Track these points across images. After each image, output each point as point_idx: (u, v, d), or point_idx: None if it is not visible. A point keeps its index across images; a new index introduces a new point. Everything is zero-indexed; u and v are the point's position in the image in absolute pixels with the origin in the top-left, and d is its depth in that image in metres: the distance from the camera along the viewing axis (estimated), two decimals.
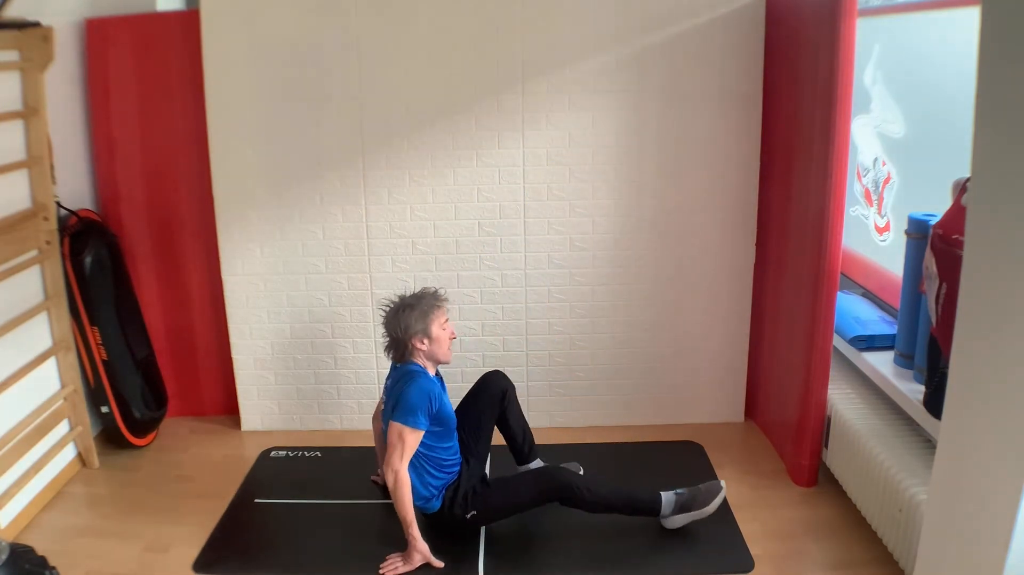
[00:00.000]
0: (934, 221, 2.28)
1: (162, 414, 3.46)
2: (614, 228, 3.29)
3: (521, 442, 2.89)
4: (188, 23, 3.16)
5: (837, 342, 2.88)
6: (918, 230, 2.43)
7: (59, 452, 3.01)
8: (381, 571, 2.51)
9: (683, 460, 3.17)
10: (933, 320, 2.24)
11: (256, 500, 2.98)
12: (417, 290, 2.66)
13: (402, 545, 2.54)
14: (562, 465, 2.89)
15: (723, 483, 2.66)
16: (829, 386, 2.86)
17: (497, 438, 2.89)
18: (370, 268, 3.35)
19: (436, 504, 2.62)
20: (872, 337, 2.78)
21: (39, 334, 2.96)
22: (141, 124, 3.28)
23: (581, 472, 2.94)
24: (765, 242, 3.26)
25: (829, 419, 2.84)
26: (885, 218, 2.88)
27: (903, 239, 2.52)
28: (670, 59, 3.12)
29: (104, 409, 3.22)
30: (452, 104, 3.17)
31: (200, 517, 2.83)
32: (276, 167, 3.25)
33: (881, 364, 2.68)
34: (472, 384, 2.89)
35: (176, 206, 3.38)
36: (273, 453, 3.33)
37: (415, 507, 2.55)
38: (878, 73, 2.85)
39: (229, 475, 3.13)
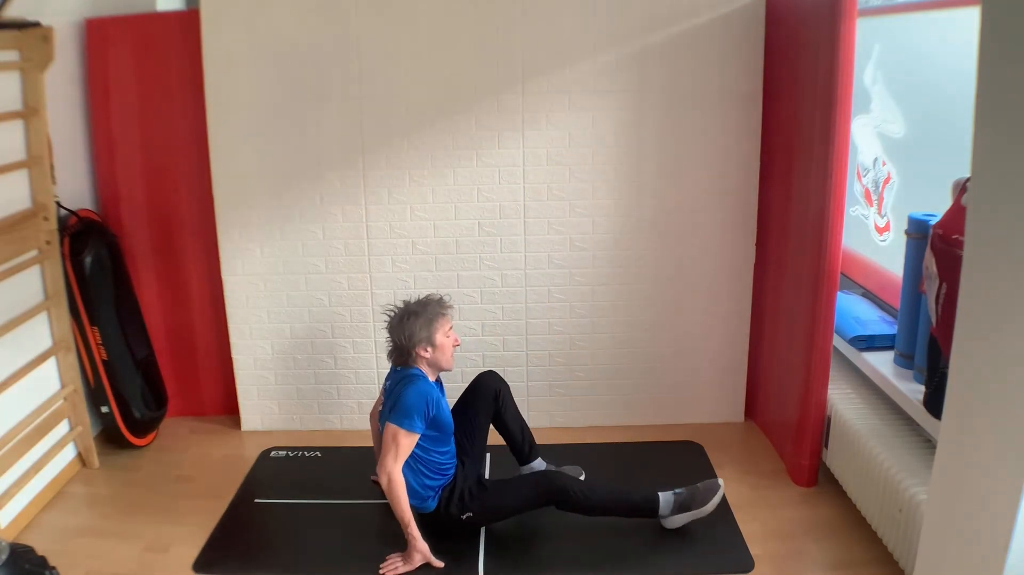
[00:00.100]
0: (934, 221, 2.28)
1: (162, 414, 3.46)
2: (614, 228, 3.29)
3: (520, 442, 2.89)
4: (188, 23, 3.16)
5: (837, 342, 2.88)
6: (918, 230, 2.43)
7: (59, 452, 3.01)
8: (381, 571, 2.52)
9: (683, 460, 3.17)
10: (933, 320, 2.24)
11: (256, 500, 2.98)
12: (422, 296, 2.64)
13: (402, 545, 2.54)
14: (563, 468, 2.90)
15: (721, 481, 2.66)
16: (829, 386, 2.86)
17: (497, 439, 2.89)
18: (370, 268, 3.35)
19: (432, 504, 2.62)
20: (872, 337, 2.78)
21: (39, 334, 2.96)
22: (141, 124, 3.28)
23: (583, 477, 2.94)
24: (765, 242, 3.26)
25: (829, 419, 2.84)
26: (885, 218, 2.88)
27: (903, 239, 2.52)
28: (670, 59, 3.12)
29: (104, 409, 3.22)
30: (452, 104, 3.17)
31: (200, 517, 2.83)
32: (276, 167, 3.25)
33: (881, 364, 2.68)
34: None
35: (176, 206, 3.38)
36: (273, 453, 3.33)
37: (411, 507, 2.55)
38: (878, 73, 2.85)
39: (229, 475, 3.13)
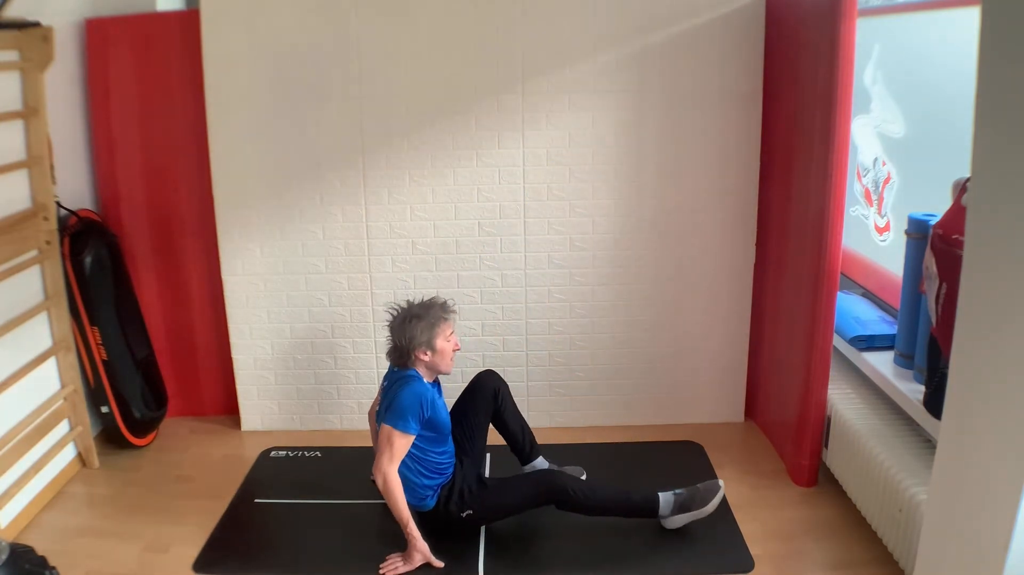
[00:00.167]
0: (934, 221, 2.28)
1: (162, 414, 3.46)
2: (614, 228, 3.29)
3: (521, 441, 2.89)
4: (188, 23, 3.16)
5: (837, 342, 2.88)
6: (918, 230, 2.43)
7: (59, 452, 3.01)
8: (381, 571, 2.52)
9: (683, 460, 3.17)
10: (933, 320, 2.24)
11: (256, 500, 2.98)
12: (426, 298, 2.63)
13: (402, 545, 2.54)
14: (565, 468, 2.90)
15: (721, 482, 2.66)
16: (829, 386, 2.86)
17: (497, 439, 2.89)
18: (370, 268, 3.35)
19: (431, 503, 2.62)
20: (872, 337, 2.78)
21: (39, 334, 2.96)
22: (141, 124, 3.28)
23: (584, 477, 2.94)
24: (765, 242, 3.27)
25: (829, 419, 2.84)
26: (885, 218, 2.88)
27: (903, 239, 2.52)
28: (670, 59, 3.12)
29: (104, 409, 3.22)
30: (452, 104, 3.17)
31: (200, 517, 2.83)
32: (276, 167, 3.25)
33: (881, 364, 2.68)
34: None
35: (176, 206, 3.38)
36: (273, 453, 3.33)
37: (409, 507, 2.55)
38: (878, 73, 2.85)
39: (229, 475, 3.13)
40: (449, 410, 2.78)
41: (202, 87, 3.17)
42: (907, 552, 2.27)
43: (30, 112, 2.81)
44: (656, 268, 3.33)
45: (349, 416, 3.50)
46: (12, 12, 2.68)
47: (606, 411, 3.49)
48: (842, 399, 2.83)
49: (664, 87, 3.15)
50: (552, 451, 3.03)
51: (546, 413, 3.48)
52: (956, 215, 2.09)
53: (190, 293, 3.48)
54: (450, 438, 2.68)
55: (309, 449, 3.35)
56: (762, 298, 3.33)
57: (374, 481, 3.00)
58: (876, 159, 2.92)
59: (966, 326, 1.76)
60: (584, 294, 3.36)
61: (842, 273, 2.92)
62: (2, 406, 2.70)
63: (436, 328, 2.54)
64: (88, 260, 3.09)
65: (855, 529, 2.65)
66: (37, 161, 2.86)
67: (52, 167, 2.95)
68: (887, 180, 2.85)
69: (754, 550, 2.58)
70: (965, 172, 1.78)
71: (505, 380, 2.89)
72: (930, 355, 2.31)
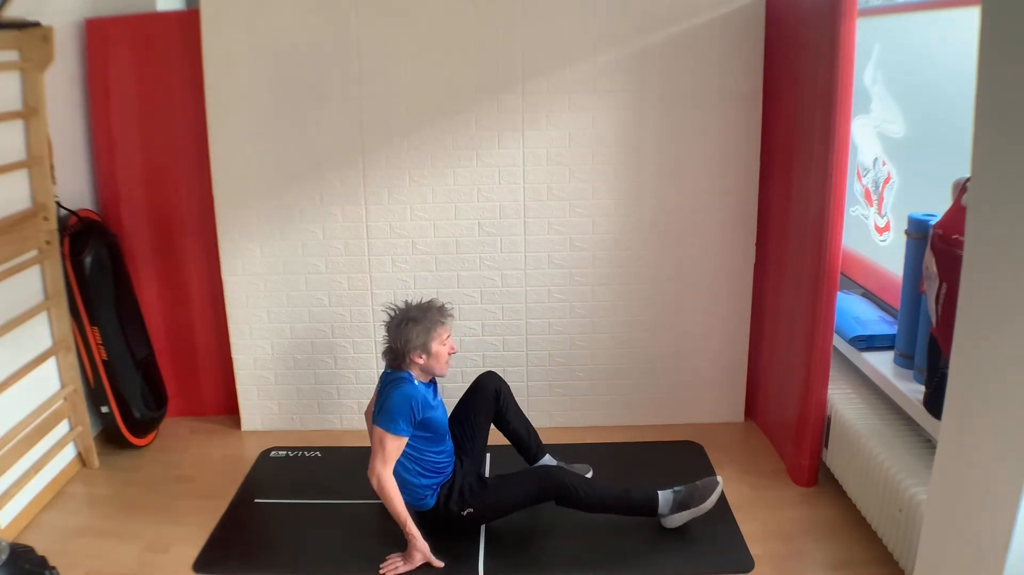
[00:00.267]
0: (934, 221, 2.28)
1: (162, 414, 3.46)
2: (614, 228, 3.29)
3: (527, 441, 2.89)
4: (188, 23, 3.16)
5: (837, 342, 2.88)
6: (918, 230, 2.43)
7: (59, 452, 3.01)
8: (381, 571, 2.52)
9: (683, 460, 3.17)
10: (933, 320, 2.24)
11: (256, 500, 2.98)
12: (424, 301, 2.63)
13: (402, 545, 2.55)
14: (573, 466, 2.90)
15: (720, 478, 2.67)
16: (829, 386, 2.86)
17: (501, 439, 2.89)
18: (370, 268, 3.35)
19: (430, 502, 2.63)
20: (872, 337, 2.78)
21: (39, 334, 2.96)
22: (141, 124, 3.28)
23: (590, 474, 2.94)
24: (765, 242, 3.27)
25: (829, 419, 2.84)
26: (885, 218, 2.88)
27: (903, 239, 2.52)
28: (670, 59, 3.12)
29: (104, 409, 3.22)
30: (452, 104, 3.17)
31: (200, 517, 2.83)
32: (276, 167, 3.25)
33: (881, 364, 2.68)
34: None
35: (176, 206, 3.38)
36: (273, 453, 3.33)
37: (409, 507, 2.55)
38: (878, 73, 2.85)
39: (229, 475, 3.13)
40: (450, 411, 2.79)
41: (202, 87, 3.17)
42: (907, 552, 2.27)
43: (30, 112, 2.81)
44: (656, 268, 3.33)
45: (349, 416, 3.50)
46: (12, 12, 2.68)
47: (606, 411, 3.49)
48: (842, 399, 2.83)
49: (664, 87, 3.15)
50: (553, 451, 3.02)
51: (546, 413, 3.48)
52: (956, 215, 2.09)
53: (190, 293, 3.48)
54: (448, 437, 2.68)
55: (309, 449, 3.35)
56: (762, 298, 3.33)
57: None
58: (876, 159, 2.92)
59: (966, 326, 1.76)
60: (584, 294, 3.36)
61: (842, 273, 2.92)
62: (2, 406, 2.70)
63: (432, 332, 2.54)
64: (88, 260, 3.09)
65: (855, 529, 2.65)
66: (37, 161, 2.86)
67: (52, 167, 2.95)
68: (887, 180, 2.85)
69: (754, 550, 2.58)
70: (965, 172, 1.78)
71: (506, 381, 2.89)
72: (930, 355, 2.31)
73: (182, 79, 3.22)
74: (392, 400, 2.49)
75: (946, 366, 1.92)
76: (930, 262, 2.22)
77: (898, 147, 2.79)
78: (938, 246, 2.18)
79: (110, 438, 3.31)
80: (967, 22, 2.14)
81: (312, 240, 3.32)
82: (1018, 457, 1.58)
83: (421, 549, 2.51)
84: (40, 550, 2.08)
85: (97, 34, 3.21)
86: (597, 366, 3.45)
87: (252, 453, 3.32)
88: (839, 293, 2.77)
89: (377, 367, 3.43)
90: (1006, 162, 1.58)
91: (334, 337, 3.43)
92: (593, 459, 3.08)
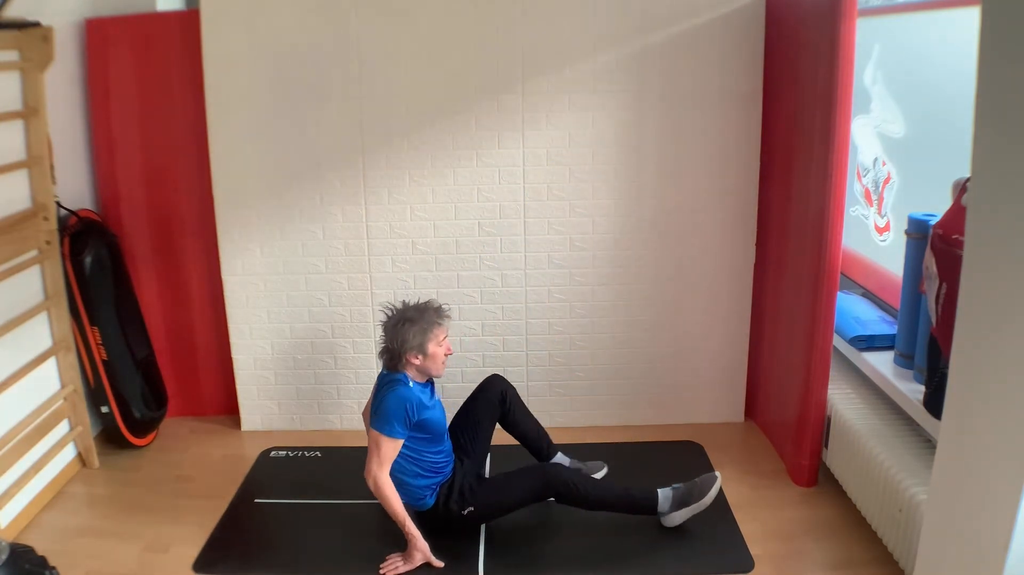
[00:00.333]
0: (934, 221, 2.28)
1: (162, 414, 3.46)
2: (614, 228, 3.29)
3: (536, 442, 2.89)
4: (188, 23, 3.16)
5: (837, 342, 2.88)
6: (918, 230, 2.43)
7: (59, 452, 3.01)
8: (381, 571, 2.52)
9: (683, 460, 3.17)
10: (933, 320, 2.24)
11: (256, 500, 2.98)
12: (422, 301, 2.63)
13: (402, 545, 2.55)
14: (587, 464, 2.91)
15: (718, 474, 2.67)
16: (829, 386, 2.86)
17: (502, 439, 2.89)
18: (370, 268, 3.35)
19: (430, 501, 2.63)
20: (872, 337, 2.78)
21: (39, 334, 2.96)
22: (141, 124, 3.28)
23: (605, 470, 2.94)
24: (765, 242, 3.26)
25: (829, 419, 2.84)
26: (885, 218, 2.88)
27: (903, 239, 2.52)
28: (670, 59, 3.12)
29: (104, 409, 3.22)
30: (452, 104, 3.17)
31: (200, 517, 2.83)
32: (276, 167, 3.25)
33: (881, 364, 2.68)
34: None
35: (176, 206, 3.38)
36: (273, 453, 3.33)
37: (408, 507, 2.55)
38: (878, 73, 2.85)
39: (229, 475, 3.13)
40: (454, 412, 2.79)
41: (202, 87, 3.17)
42: (907, 552, 2.27)
43: (30, 112, 2.81)
44: (656, 268, 3.32)
45: (349, 416, 3.50)
46: (12, 12, 2.68)
47: (606, 411, 3.49)
48: (842, 399, 2.83)
49: (664, 87, 3.15)
50: None
51: (546, 413, 3.47)
52: (956, 215, 2.09)
53: (190, 293, 3.48)
54: (446, 437, 2.68)
55: (309, 449, 3.35)
56: (762, 298, 3.33)
57: None
58: (876, 159, 2.92)
59: (966, 326, 1.76)
60: (584, 294, 3.36)
61: (842, 273, 2.92)
62: (2, 406, 2.70)
63: (429, 333, 2.54)
64: (88, 260, 3.09)
65: (855, 529, 2.65)
66: (37, 161, 2.86)
67: (52, 167, 2.95)
68: (887, 180, 2.85)
69: (754, 550, 2.58)
70: (965, 172, 1.78)
71: (512, 384, 2.89)
72: (930, 355, 2.31)
73: (182, 79, 3.22)
74: (387, 403, 2.50)
75: (946, 366, 1.92)
76: (930, 262, 2.22)
77: (898, 147, 2.79)
78: (938, 246, 2.18)
79: (110, 438, 3.31)
80: (967, 22, 2.14)
81: (312, 240, 3.32)
82: (1018, 457, 1.58)
83: (421, 549, 2.52)
84: (40, 550, 2.08)
85: (97, 34, 3.21)
86: (597, 366, 3.45)
87: (252, 453, 3.32)
88: (839, 293, 2.77)
89: (377, 367, 3.42)
90: (1006, 162, 1.58)
91: (334, 337, 3.43)
92: (594, 459, 3.08)
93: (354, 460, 3.17)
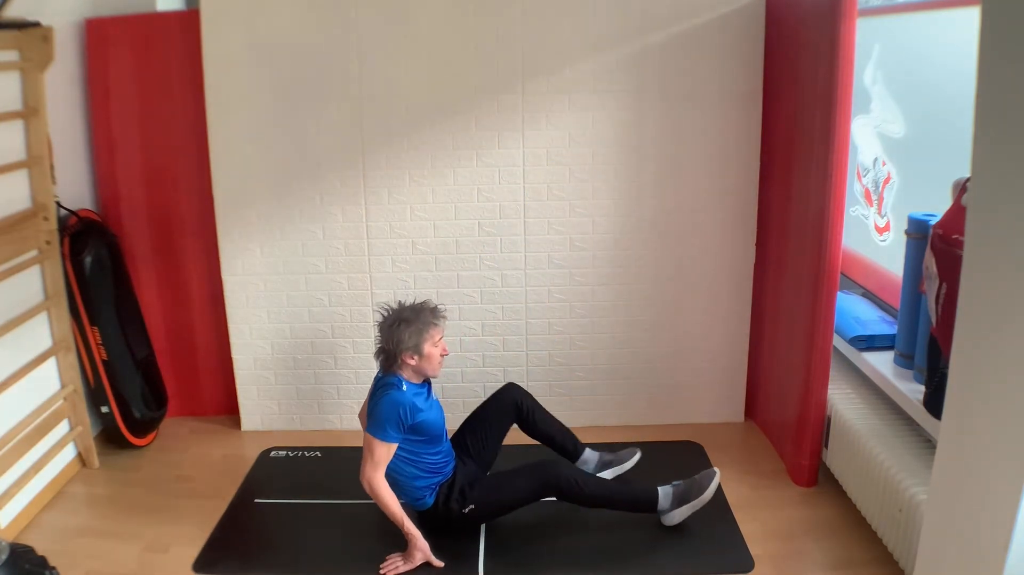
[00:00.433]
0: (934, 221, 2.28)
1: (162, 414, 3.46)
2: (614, 228, 3.29)
3: (561, 443, 2.88)
4: (188, 23, 3.16)
5: (837, 342, 2.88)
6: (918, 230, 2.43)
7: (59, 452, 3.01)
8: (381, 571, 2.52)
9: (683, 460, 3.17)
10: (933, 320, 2.24)
11: (256, 500, 2.98)
12: (418, 302, 2.62)
13: (402, 545, 2.55)
14: (620, 452, 2.91)
15: (717, 470, 2.68)
16: (829, 386, 2.86)
17: (509, 441, 2.88)
18: (370, 268, 3.35)
19: (429, 501, 2.63)
20: (872, 337, 2.78)
21: (39, 334, 2.96)
22: (141, 124, 3.28)
23: (638, 456, 2.92)
24: (765, 242, 3.26)
25: (829, 419, 2.84)
26: (885, 218, 2.89)
27: (903, 239, 2.52)
28: (670, 59, 3.12)
29: (104, 409, 3.22)
30: (452, 104, 3.17)
31: (200, 517, 2.83)
32: (276, 167, 3.25)
33: (881, 364, 2.68)
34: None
35: (176, 206, 3.38)
36: (273, 453, 3.33)
37: (407, 506, 2.55)
38: (878, 73, 2.85)
39: (229, 475, 3.13)
40: (466, 416, 2.81)
41: (202, 87, 3.17)
42: (907, 552, 2.27)
43: (30, 112, 2.81)
44: (656, 268, 3.32)
45: (349, 416, 3.50)
46: (12, 12, 2.68)
47: (606, 411, 3.49)
48: (842, 399, 2.83)
49: (664, 87, 3.15)
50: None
51: None
52: (956, 215, 2.09)
53: (190, 293, 3.48)
54: (445, 437, 2.68)
55: (309, 449, 3.35)
56: (762, 298, 3.33)
57: None
58: (876, 159, 2.92)
59: (966, 326, 1.76)
60: (584, 294, 3.36)
61: (842, 273, 2.92)
62: (2, 406, 2.70)
63: (425, 333, 2.54)
64: (88, 260, 3.09)
65: (855, 529, 2.65)
66: (37, 161, 2.86)
67: (52, 167, 2.95)
68: (887, 180, 2.85)
69: (754, 550, 2.58)
70: (965, 172, 1.78)
71: (528, 392, 2.89)
72: (930, 355, 2.31)
73: (182, 79, 3.22)
74: (380, 407, 2.50)
75: (946, 366, 1.92)
76: (930, 262, 2.22)
77: (898, 147, 2.79)
78: (938, 246, 2.18)
79: (110, 438, 3.31)
80: (967, 22, 2.14)
81: (312, 240, 3.32)
82: (1018, 457, 1.58)
83: (421, 548, 2.52)
84: (40, 550, 2.08)
85: (97, 34, 3.21)
86: (597, 366, 3.45)
87: (252, 453, 3.32)
88: (839, 293, 2.77)
89: (376, 367, 3.42)
90: (1006, 162, 1.58)
91: (334, 337, 3.43)
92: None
93: (354, 460, 3.17)
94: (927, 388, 2.33)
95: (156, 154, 3.32)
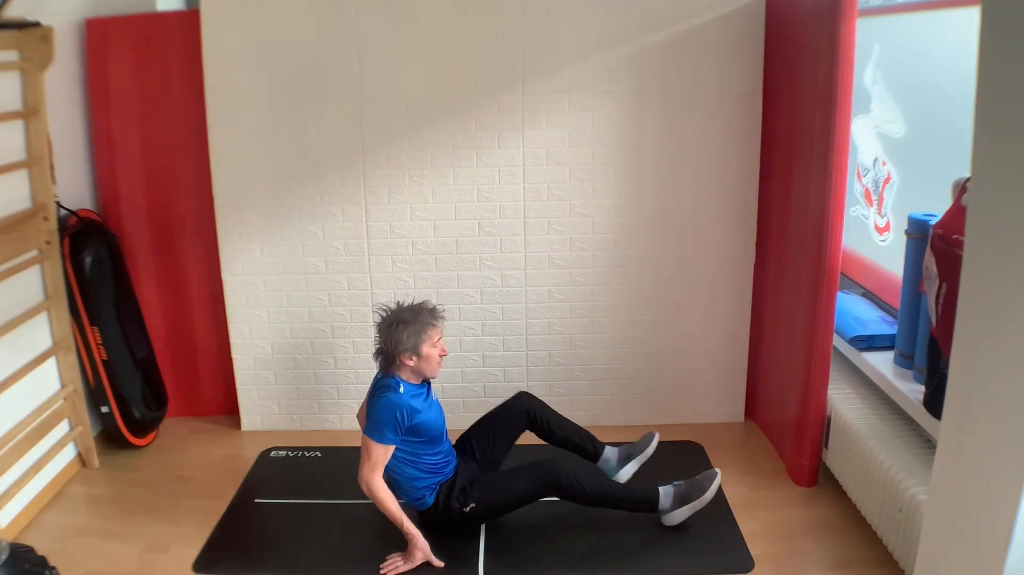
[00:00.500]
0: (934, 221, 2.28)
1: (162, 414, 3.46)
2: (614, 228, 3.29)
3: (581, 446, 2.85)
4: (188, 23, 3.16)
5: (837, 342, 2.88)
6: (918, 230, 2.43)
7: (59, 452, 3.01)
8: (381, 571, 2.52)
9: (683, 460, 3.16)
10: (933, 320, 2.24)
11: (256, 500, 2.98)
12: (416, 302, 2.62)
13: (402, 544, 2.55)
14: (640, 441, 2.85)
15: (718, 470, 2.67)
16: (829, 386, 2.85)
17: (532, 441, 2.88)
18: (370, 268, 3.35)
19: (429, 500, 2.63)
20: (872, 337, 2.78)
21: (39, 334, 2.96)
22: (141, 124, 3.28)
23: (656, 438, 2.87)
24: (765, 242, 3.26)
25: (829, 419, 2.84)
26: (885, 218, 2.88)
27: (903, 239, 2.52)
28: (670, 59, 3.12)
29: (104, 409, 3.22)
30: (452, 104, 3.17)
31: (200, 517, 2.83)
32: (276, 167, 3.25)
33: (881, 364, 2.68)
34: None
35: (176, 206, 3.38)
36: (273, 453, 3.33)
37: (407, 506, 2.55)
38: (878, 73, 2.85)
39: (229, 475, 3.13)
40: (474, 421, 2.81)
41: (202, 87, 3.17)
42: (907, 552, 2.27)
43: (30, 112, 2.82)
44: (656, 268, 3.33)
45: (349, 416, 3.50)
46: (12, 12, 2.68)
47: (606, 411, 3.49)
48: (842, 399, 2.83)
49: (664, 87, 3.15)
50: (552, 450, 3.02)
51: None
52: (956, 215, 2.09)
53: (190, 293, 3.48)
54: (445, 438, 2.68)
55: (309, 449, 3.35)
56: (762, 298, 3.33)
57: None
58: (876, 159, 2.92)
59: (966, 326, 1.76)
60: (584, 294, 3.36)
61: (842, 273, 2.92)
62: (2, 406, 2.70)
63: (423, 334, 2.53)
64: (88, 260, 3.09)
65: (855, 529, 2.65)
66: (37, 161, 2.86)
67: (52, 167, 2.95)
68: (887, 180, 2.85)
69: (754, 550, 2.58)
70: (965, 172, 1.78)
71: (540, 399, 2.88)
72: (930, 355, 2.31)
73: (182, 79, 3.22)
74: (377, 409, 2.50)
75: (946, 366, 1.92)
76: (930, 262, 2.22)
77: (898, 147, 2.79)
78: (938, 246, 2.18)
79: (110, 438, 3.31)
80: (967, 22, 2.14)
81: (312, 240, 3.32)
82: (1018, 457, 1.57)
83: (421, 547, 2.52)
84: (40, 550, 2.08)
85: (97, 34, 3.21)
86: (597, 366, 3.45)
87: (252, 453, 3.32)
88: (839, 293, 2.77)
89: (376, 367, 3.42)
90: (1006, 162, 1.58)
91: (334, 337, 3.43)
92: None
93: (354, 460, 3.16)
94: (927, 388, 2.33)
95: (156, 154, 3.32)
